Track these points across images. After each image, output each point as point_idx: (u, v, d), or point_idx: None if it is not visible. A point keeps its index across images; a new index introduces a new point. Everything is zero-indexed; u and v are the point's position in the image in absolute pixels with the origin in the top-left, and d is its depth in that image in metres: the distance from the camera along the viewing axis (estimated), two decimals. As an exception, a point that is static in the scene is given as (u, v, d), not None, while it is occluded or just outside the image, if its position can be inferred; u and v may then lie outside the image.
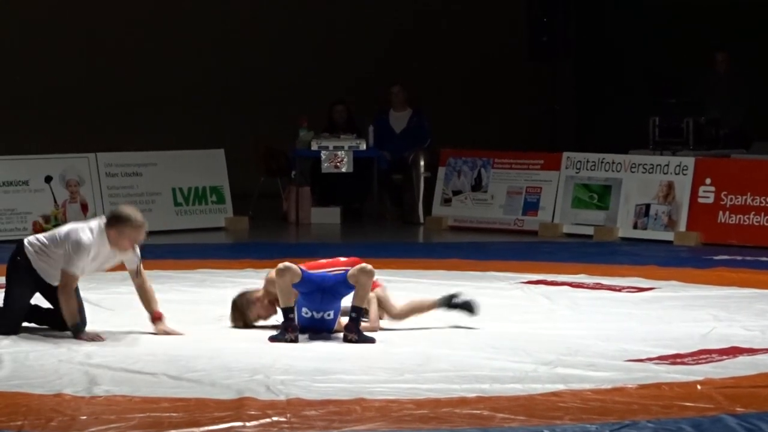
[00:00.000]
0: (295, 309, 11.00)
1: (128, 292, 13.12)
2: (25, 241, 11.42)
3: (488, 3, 24.09)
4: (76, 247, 11.09)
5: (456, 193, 19.16)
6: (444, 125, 21.04)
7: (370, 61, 23.88)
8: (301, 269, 10.94)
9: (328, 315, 11.09)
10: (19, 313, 11.40)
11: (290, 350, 10.57)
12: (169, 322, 11.39)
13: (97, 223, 11.37)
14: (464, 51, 24.06)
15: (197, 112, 22.60)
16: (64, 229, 11.39)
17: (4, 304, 11.51)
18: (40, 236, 11.50)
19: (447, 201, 19.22)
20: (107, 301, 12.96)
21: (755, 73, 20.54)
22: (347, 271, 11.01)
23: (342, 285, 10.99)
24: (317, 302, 11.07)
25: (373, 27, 23.98)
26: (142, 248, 11.70)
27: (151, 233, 17.44)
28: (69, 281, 11.09)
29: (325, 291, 11.04)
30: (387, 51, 23.99)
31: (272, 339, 10.95)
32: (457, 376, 9.58)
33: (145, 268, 14.21)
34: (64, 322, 11.16)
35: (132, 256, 11.57)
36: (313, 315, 11.14)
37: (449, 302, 11.66)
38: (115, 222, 11.31)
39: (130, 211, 11.48)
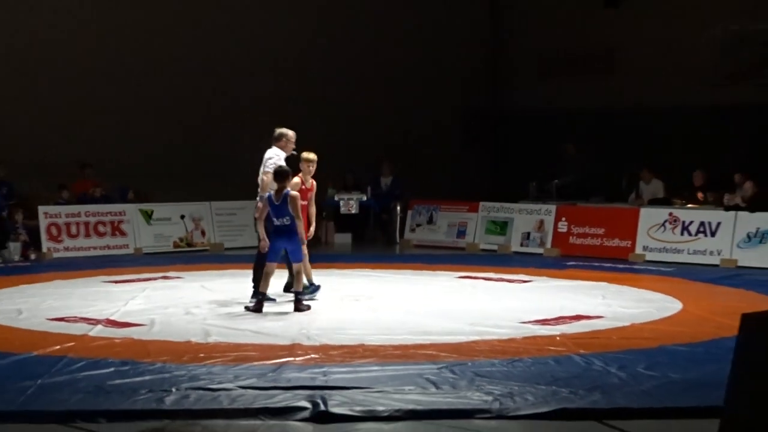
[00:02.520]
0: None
1: (224, 283, 13.06)
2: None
3: (438, 119, 23.49)
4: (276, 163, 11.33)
5: (418, 225, 19.05)
6: (414, 182, 20.69)
7: (360, 145, 22.54)
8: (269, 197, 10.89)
9: (286, 220, 10.81)
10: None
11: (322, 317, 10.56)
12: (246, 297, 11.25)
13: (272, 151, 11.61)
14: (426, 137, 23.01)
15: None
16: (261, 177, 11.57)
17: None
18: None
19: (413, 230, 19.10)
20: (214, 287, 12.92)
21: (592, 156, 20.43)
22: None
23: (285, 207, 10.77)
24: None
25: (364, 128, 22.50)
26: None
27: (241, 248, 17.47)
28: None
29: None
30: (373, 138, 22.79)
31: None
32: (418, 331, 9.60)
33: (239, 269, 14.12)
34: None
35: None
36: (275, 221, 10.89)
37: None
38: (281, 137, 11.66)
39: (284, 129, 11.77)
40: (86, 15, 19.20)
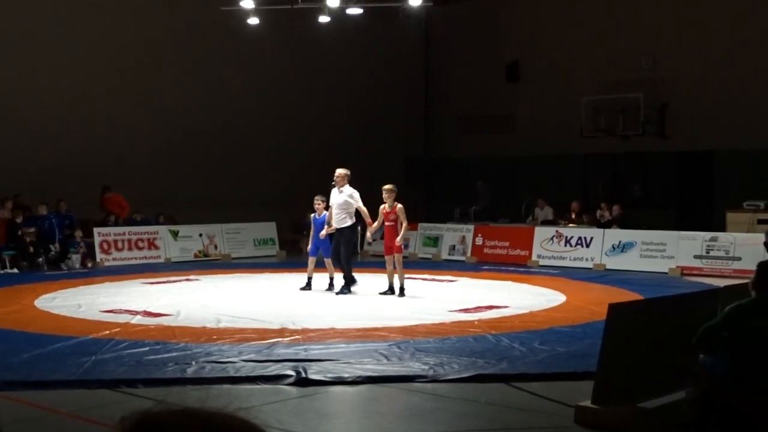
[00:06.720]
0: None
1: (232, 283, 12.84)
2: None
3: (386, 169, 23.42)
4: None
5: (374, 240, 17.91)
6: (371, 210, 20.35)
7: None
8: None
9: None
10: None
11: (304, 308, 10.44)
12: (247, 294, 11.11)
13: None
14: (380, 178, 22.83)
15: (263, 203, 20.72)
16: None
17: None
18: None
19: (369, 243, 18.32)
20: (224, 286, 12.73)
21: (498, 191, 20.43)
22: None
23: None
24: None
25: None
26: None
27: (243, 258, 17.31)
28: None
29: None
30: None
31: None
32: (373, 318, 9.52)
33: (242, 273, 13.89)
34: None
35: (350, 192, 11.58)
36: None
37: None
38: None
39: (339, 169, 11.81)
40: (137, 71, 18.31)
